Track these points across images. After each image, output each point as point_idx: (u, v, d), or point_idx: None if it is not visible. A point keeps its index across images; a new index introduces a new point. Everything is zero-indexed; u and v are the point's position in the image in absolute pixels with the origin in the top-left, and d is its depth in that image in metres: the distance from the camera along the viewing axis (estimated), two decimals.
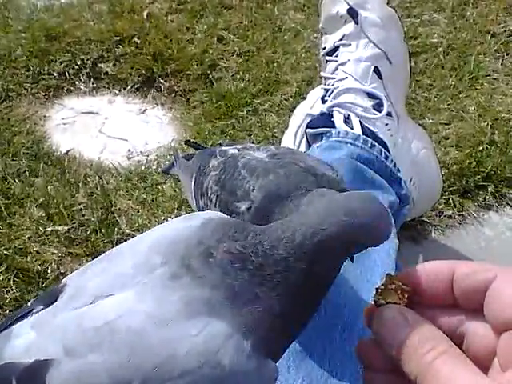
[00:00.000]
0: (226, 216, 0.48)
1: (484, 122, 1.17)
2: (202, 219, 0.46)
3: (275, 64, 1.30)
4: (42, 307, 0.47)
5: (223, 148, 0.70)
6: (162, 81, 1.30)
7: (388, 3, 0.98)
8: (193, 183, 0.71)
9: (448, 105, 1.22)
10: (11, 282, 0.95)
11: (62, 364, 0.42)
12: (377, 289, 0.40)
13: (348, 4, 0.95)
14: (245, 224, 0.46)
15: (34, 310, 0.48)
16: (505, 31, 1.36)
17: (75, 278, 0.48)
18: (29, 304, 0.50)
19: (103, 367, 0.40)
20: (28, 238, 1.01)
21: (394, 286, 0.40)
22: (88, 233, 1.02)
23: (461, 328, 0.38)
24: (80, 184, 1.09)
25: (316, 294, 0.43)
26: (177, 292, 0.41)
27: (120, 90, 1.30)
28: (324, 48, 0.98)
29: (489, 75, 1.28)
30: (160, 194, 1.09)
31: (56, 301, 0.46)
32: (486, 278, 0.36)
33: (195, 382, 0.39)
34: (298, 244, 0.41)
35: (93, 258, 0.52)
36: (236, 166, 0.63)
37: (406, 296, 0.39)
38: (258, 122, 1.21)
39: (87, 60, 1.32)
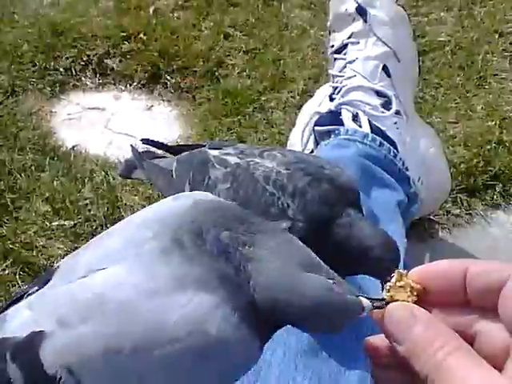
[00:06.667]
0: (220, 199, 0.48)
1: (492, 121, 1.17)
2: (195, 198, 0.46)
3: (282, 61, 1.30)
4: (36, 288, 0.48)
5: (216, 154, 0.66)
6: (168, 77, 1.29)
7: (396, 1, 0.97)
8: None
9: (456, 104, 1.22)
10: (17, 276, 0.95)
11: (54, 335, 0.43)
12: (386, 286, 0.40)
13: (357, 2, 0.95)
14: (244, 214, 0.45)
15: (29, 292, 0.48)
16: None
17: (68, 259, 0.49)
18: (25, 287, 0.51)
19: (94, 337, 0.41)
20: (34, 232, 1.01)
21: (403, 283, 0.39)
22: (94, 228, 1.02)
23: (472, 328, 0.38)
24: (86, 179, 1.10)
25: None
26: (167, 266, 0.42)
27: (126, 86, 1.30)
28: (332, 46, 0.98)
29: (497, 74, 1.27)
30: None
31: (49, 281, 0.47)
32: (500, 276, 0.36)
33: (183, 349, 0.40)
34: (269, 307, 0.41)
35: None
36: (254, 180, 0.61)
37: (416, 294, 0.39)
38: (264, 119, 1.20)
39: (93, 56, 1.32)
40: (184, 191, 0.67)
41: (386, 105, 0.90)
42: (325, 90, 1.00)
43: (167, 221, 0.44)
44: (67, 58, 1.31)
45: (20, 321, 0.46)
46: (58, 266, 0.48)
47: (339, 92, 0.92)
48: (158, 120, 1.25)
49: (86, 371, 0.42)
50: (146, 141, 0.77)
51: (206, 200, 0.47)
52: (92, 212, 1.04)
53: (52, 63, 1.30)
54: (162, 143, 0.78)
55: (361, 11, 0.94)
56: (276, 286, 0.41)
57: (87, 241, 1.08)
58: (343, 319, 0.41)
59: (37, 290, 0.48)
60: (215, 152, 0.67)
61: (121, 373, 0.41)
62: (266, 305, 0.41)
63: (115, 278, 0.42)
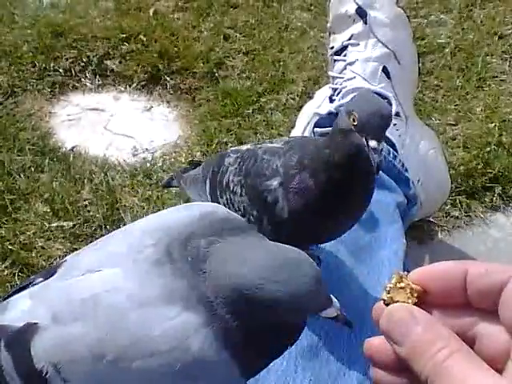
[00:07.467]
0: (231, 212, 0.48)
1: (491, 123, 1.17)
2: (202, 210, 0.47)
3: (281, 63, 1.30)
4: (41, 279, 0.50)
5: (234, 148, 0.72)
6: (167, 78, 1.29)
7: (396, 3, 0.97)
8: (208, 188, 0.73)
9: (455, 105, 1.22)
10: (16, 277, 0.95)
11: (47, 330, 0.44)
12: (386, 287, 0.40)
13: (357, 4, 0.95)
14: (242, 225, 0.46)
15: (34, 282, 0.50)
16: None
17: (73, 256, 0.51)
18: (31, 277, 0.52)
19: (83, 338, 0.42)
20: (33, 233, 1.01)
21: (403, 284, 0.39)
22: (93, 229, 1.02)
23: (472, 329, 0.37)
24: (85, 180, 1.09)
25: (273, 339, 0.44)
26: (158, 278, 0.43)
27: (126, 87, 1.30)
28: (332, 47, 0.98)
29: (496, 76, 1.28)
30: (165, 191, 1.08)
31: (54, 274, 0.48)
32: (501, 278, 0.36)
33: (165, 363, 0.41)
34: (230, 302, 0.42)
35: None
36: (256, 155, 0.65)
37: (416, 295, 0.39)
38: (264, 120, 1.20)
39: (93, 57, 1.32)
40: (205, 186, 0.73)
41: None
42: (324, 92, 1.00)
43: (167, 231, 0.45)
44: (67, 59, 1.31)
45: (21, 309, 0.47)
46: (64, 261, 0.50)
47: (339, 93, 0.92)
48: (158, 121, 1.25)
49: (71, 372, 0.43)
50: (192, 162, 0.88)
51: (211, 211, 0.47)
52: (91, 213, 1.04)
53: (52, 64, 1.30)
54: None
55: (361, 13, 0.94)
56: (229, 264, 0.42)
57: (86, 242, 1.08)
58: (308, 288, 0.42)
59: (41, 281, 0.49)
60: (234, 147, 0.73)
61: (102, 379, 0.42)
62: (224, 289, 0.41)
63: (112, 281, 0.43)
